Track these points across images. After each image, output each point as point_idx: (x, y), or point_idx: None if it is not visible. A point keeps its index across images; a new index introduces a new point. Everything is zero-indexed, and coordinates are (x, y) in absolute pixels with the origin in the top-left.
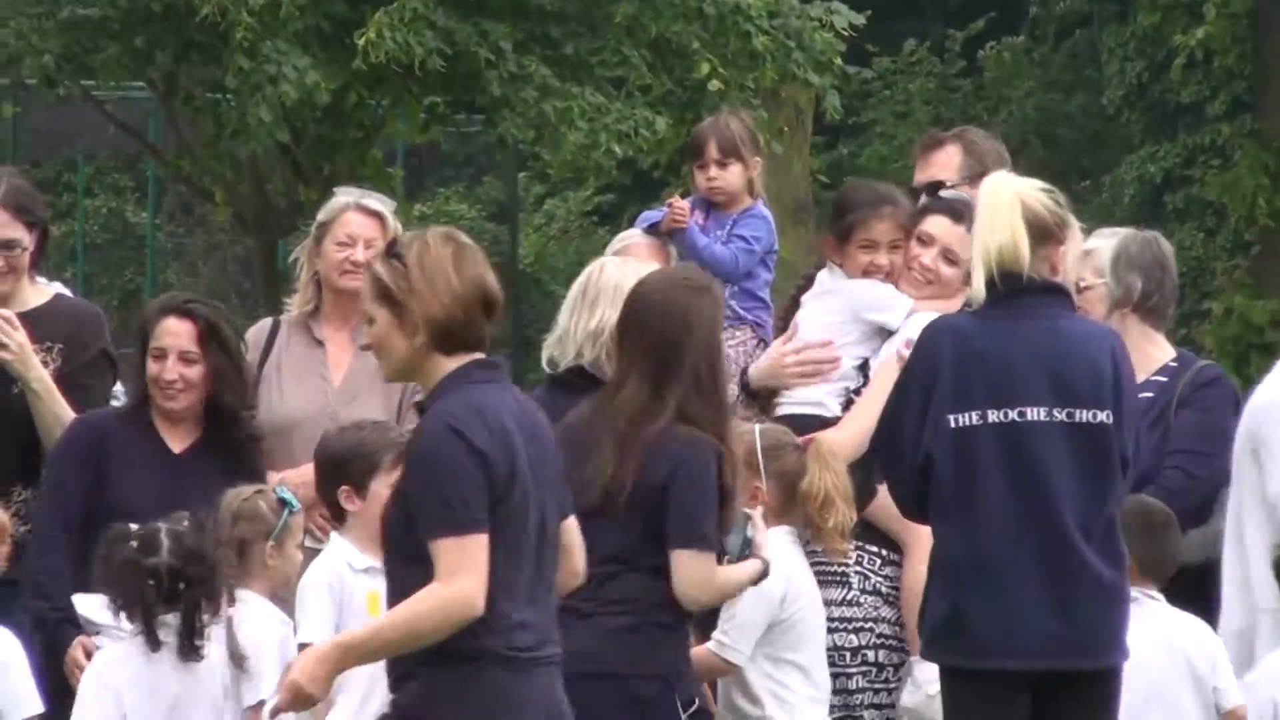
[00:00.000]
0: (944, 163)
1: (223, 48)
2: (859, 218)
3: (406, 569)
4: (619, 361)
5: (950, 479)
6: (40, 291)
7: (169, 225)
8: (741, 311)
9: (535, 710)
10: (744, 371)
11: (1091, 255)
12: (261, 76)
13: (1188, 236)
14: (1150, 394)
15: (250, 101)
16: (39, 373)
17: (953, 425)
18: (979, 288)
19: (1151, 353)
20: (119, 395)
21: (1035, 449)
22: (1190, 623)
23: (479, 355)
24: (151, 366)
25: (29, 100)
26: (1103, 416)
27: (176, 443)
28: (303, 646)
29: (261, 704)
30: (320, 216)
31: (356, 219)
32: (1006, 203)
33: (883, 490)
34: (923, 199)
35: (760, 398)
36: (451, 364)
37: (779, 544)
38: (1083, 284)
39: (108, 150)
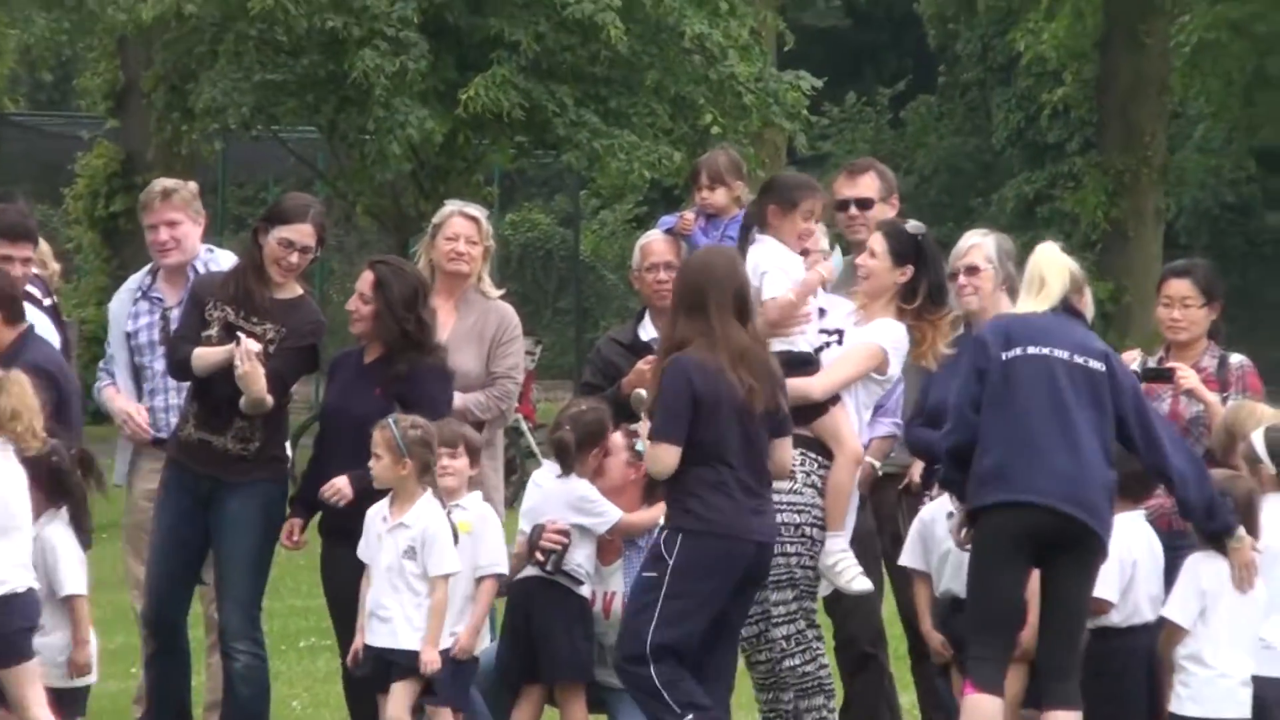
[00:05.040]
0: (868, 184)
1: (367, 102)
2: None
3: None
4: None
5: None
6: (294, 288)
7: (334, 229)
8: None
9: None
10: None
11: (979, 246)
12: (393, 123)
13: (1051, 238)
14: None
15: (385, 140)
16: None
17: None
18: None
19: None
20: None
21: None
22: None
23: None
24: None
25: (231, 140)
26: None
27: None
28: None
29: None
30: (434, 220)
31: (460, 221)
32: (1062, 266)
33: (832, 410)
34: (851, 209)
35: None
36: None
37: None
38: (976, 266)
39: (290, 175)
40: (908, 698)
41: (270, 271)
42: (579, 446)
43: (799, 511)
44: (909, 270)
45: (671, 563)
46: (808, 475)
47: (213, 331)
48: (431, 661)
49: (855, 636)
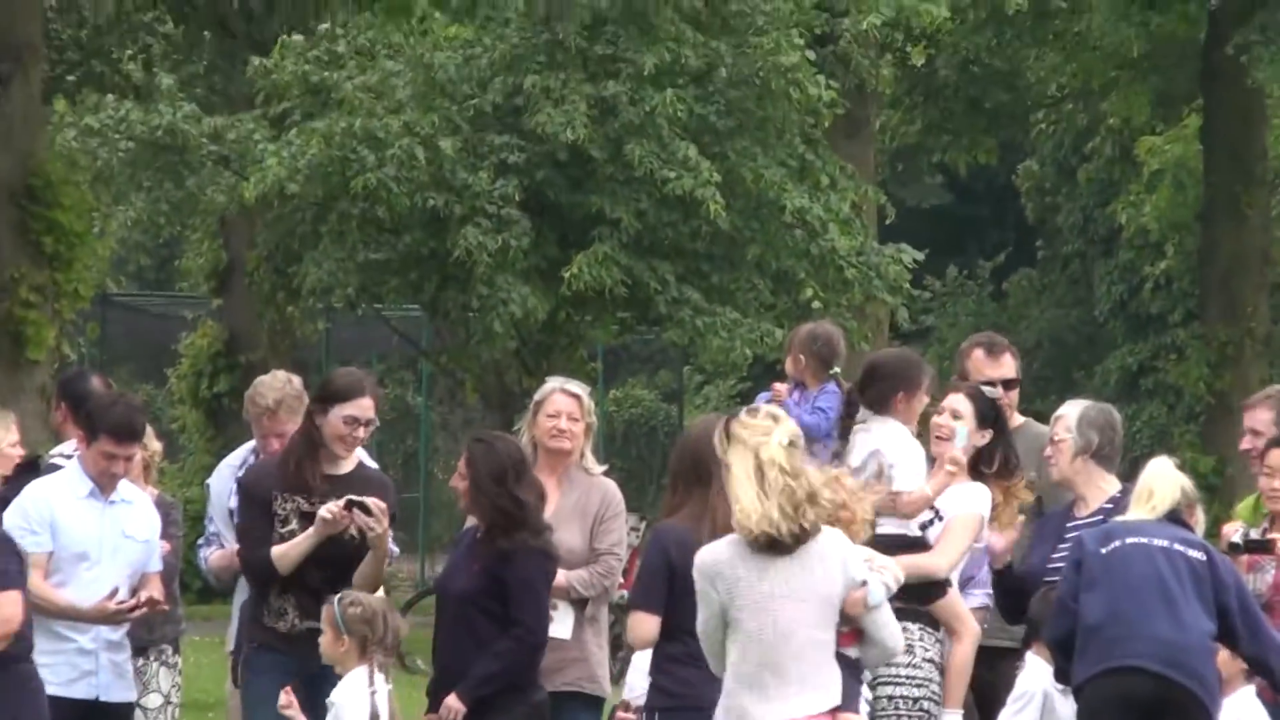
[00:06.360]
0: (1009, 364)
1: (470, 279)
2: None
3: None
4: None
5: None
6: (352, 459)
7: (438, 407)
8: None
9: None
10: None
11: (1062, 418)
12: (496, 300)
13: (1155, 410)
14: (1100, 516)
15: (489, 318)
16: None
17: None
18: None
19: (1103, 487)
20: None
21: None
22: None
23: None
24: None
25: (337, 319)
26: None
27: None
28: None
29: None
30: (536, 397)
31: (561, 398)
32: (1174, 482)
33: (949, 591)
34: (999, 389)
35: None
36: None
37: None
38: (1056, 438)
39: (394, 353)
40: None
41: (335, 449)
42: None
43: (918, 685)
44: (988, 434)
45: None
46: (925, 651)
47: (293, 526)
48: None
49: None
